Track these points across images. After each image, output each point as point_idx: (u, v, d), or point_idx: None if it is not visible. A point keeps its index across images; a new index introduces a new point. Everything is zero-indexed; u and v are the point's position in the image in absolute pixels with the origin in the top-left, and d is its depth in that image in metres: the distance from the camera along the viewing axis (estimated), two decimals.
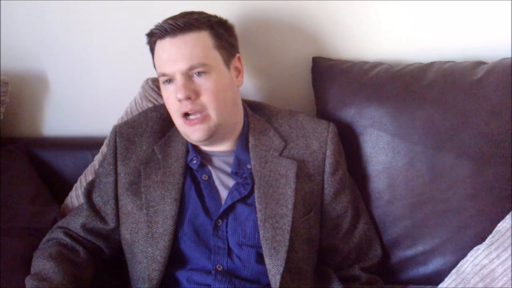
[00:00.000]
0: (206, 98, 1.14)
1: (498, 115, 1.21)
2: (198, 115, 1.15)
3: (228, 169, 1.22)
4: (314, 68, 1.42)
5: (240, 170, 1.21)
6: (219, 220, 1.18)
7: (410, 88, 1.29)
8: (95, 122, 1.60)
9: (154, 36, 1.18)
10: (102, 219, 1.28)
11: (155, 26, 1.19)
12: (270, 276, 1.11)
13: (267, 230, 1.13)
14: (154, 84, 1.45)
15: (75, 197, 1.49)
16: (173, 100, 1.16)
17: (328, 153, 1.22)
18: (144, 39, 1.54)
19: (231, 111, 1.20)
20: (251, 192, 1.18)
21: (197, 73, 1.14)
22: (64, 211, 1.47)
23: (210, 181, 1.21)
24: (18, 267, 1.26)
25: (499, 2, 1.33)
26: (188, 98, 1.13)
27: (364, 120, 1.31)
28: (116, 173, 1.26)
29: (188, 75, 1.14)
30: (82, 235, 1.27)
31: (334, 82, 1.36)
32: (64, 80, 1.63)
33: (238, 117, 1.24)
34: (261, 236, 1.13)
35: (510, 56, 1.30)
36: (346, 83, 1.35)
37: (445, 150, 1.24)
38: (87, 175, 1.49)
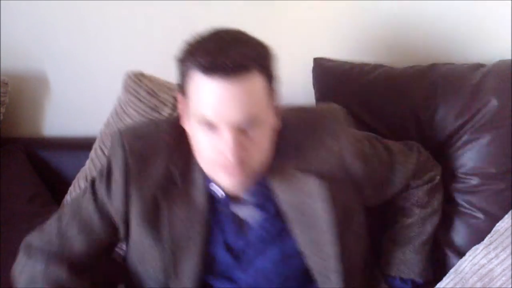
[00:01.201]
0: (254, 154, 0.96)
1: (497, 116, 1.21)
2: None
3: (253, 201, 1.07)
4: (315, 69, 1.42)
5: (261, 197, 1.07)
6: (245, 258, 1.07)
7: (410, 90, 1.29)
8: (95, 122, 1.59)
9: (195, 65, 0.93)
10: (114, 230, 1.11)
11: (198, 51, 0.94)
12: None
13: (314, 262, 1.05)
14: (135, 76, 1.43)
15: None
16: (213, 150, 0.96)
17: (345, 152, 1.07)
18: (144, 39, 1.55)
19: (269, 157, 1.03)
20: (280, 225, 1.06)
21: (248, 125, 0.94)
22: None
23: (236, 218, 1.07)
24: None
25: (499, 3, 1.33)
26: (241, 161, 0.94)
27: (363, 121, 1.30)
28: (127, 197, 1.06)
29: (239, 128, 0.93)
30: (89, 262, 1.10)
31: (335, 83, 1.37)
32: (64, 80, 1.63)
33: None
34: (310, 267, 1.06)
35: (509, 58, 1.31)
36: (346, 84, 1.35)
37: (445, 151, 1.24)
38: (88, 173, 1.49)
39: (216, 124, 0.94)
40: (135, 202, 1.06)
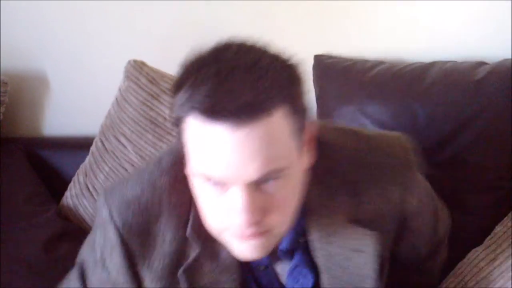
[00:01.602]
0: (275, 213, 0.74)
1: (498, 115, 1.19)
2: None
3: (282, 247, 0.86)
4: (316, 66, 1.41)
5: (291, 243, 0.86)
6: None
7: (410, 87, 1.27)
8: (95, 122, 1.59)
9: (193, 105, 0.68)
10: None
11: (196, 85, 0.67)
12: None
13: None
14: (136, 64, 1.44)
15: (74, 196, 1.49)
16: (219, 209, 0.73)
17: (407, 207, 0.88)
18: (145, 39, 1.55)
19: (296, 211, 0.79)
20: (315, 280, 0.87)
21: (268, 179, 0.72)
22: (62, 210, 1.48)
23: (268, 271, 0.88)
24: (17, 266, 1.27)
25: (500, 2, 1.32)
26: (256, 223, 0.72)
27: (364, 118, 1.29)
28: (135, 277, 0.86)
29: (255, 184, 0.71)
30: None
31: (335, 79, 1.36)
32: (64, 80, 1.63)
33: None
34: None
35: (511, 57, 1.29)
36: (347, 81, 1.34)
37: (446, 150, 1.23)
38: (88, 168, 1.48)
39: (223, 182, 0.71)
40: (147, 279, 0.86)
